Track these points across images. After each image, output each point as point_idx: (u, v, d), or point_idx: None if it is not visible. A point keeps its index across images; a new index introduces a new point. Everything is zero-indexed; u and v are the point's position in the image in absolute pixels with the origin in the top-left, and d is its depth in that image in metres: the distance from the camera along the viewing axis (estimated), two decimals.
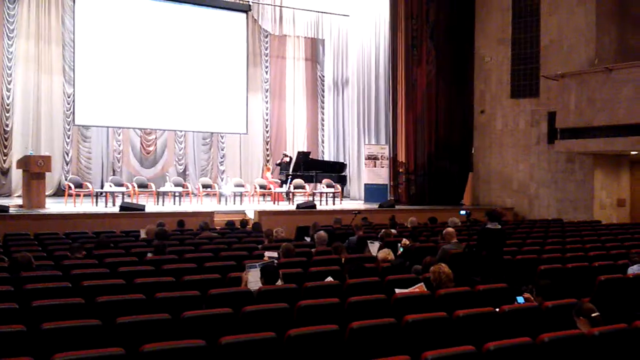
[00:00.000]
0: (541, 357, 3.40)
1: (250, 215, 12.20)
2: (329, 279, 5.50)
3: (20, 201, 12.04)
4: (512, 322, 4.15)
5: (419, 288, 4.98)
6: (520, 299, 4.53)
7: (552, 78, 13.51)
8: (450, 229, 7.52)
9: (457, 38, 15.68)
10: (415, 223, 9.94)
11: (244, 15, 17.24)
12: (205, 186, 14.65)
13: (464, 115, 15.90)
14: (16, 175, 13.80)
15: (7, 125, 14.49)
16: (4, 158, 14.46)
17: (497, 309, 4.21)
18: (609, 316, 4.02)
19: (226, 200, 14.29)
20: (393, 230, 8.82)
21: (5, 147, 14.49)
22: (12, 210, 10.73)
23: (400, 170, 15.58)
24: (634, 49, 13.10)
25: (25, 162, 11.71)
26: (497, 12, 15.22)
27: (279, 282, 5.12)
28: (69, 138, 15.21)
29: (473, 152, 15.93)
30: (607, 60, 12.87)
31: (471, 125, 15.94)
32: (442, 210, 13.36)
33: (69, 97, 15.05)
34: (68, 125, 15.14)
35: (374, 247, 7.51)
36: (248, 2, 17.21)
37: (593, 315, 3.76)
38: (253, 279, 5.17)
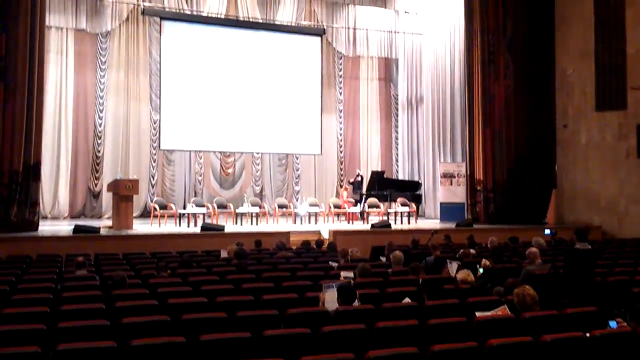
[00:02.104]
0: None
1: (325, 234, 12.26)
2: (407, 300, 5.42)
3: (109, 222, 12.71)
4: (603, 348, 3.93)
5: (501, 311, 4.81)
6: (612, 324, 4.28)
7: (639, 89, 12.83)
8: (534, 249, 7.23)
9: (536, 51, 15.22)
10: (495, 243, 9.64)
11: (318, 38, 17.56)
12: (281, 206, 14.90)
13: (545, 130, 15.33)
14: (106, 197, 14.61)
15: (98, 152, 15.43)
16: (96, 182, 15.37)
17: (588, 334, 3.99)
18: None
19: (301, 220, 14.46)
20: (472, 250, 8.60)
21: (97, 171, 15.41)
22: (102, 231, 11.36)
23: (478, 188, 15.16)
24: None
25: (115, 186, 12.37)
26: (579, 23, 14.67)
27: (356, 303, 5.11)
28: (154, 162, 15.97)
29: (556, 168, 15.32)
30: None
31: (553, 140, 15.34)
32: (523, 229, 12.87)
33: (155, 123, 15.84)
34: (154, 149, 15.90)
35: (452, 268, 7.33)
36: (322, 25, 17.53)
37: None
38: (330, 299, 5.18)
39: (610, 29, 14.07)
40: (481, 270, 7.07)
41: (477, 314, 4.66)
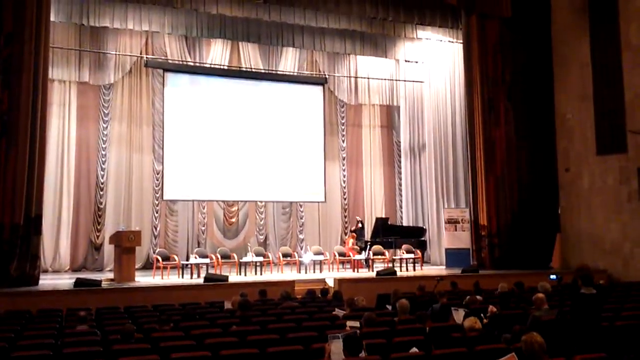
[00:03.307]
0: None
1: (330, 283, 12.14)
2: (414, 349, 5.34)
3: (111, 275, 12.61)
4: None
5: (510, 359, 4.73)
6: None
7: (638, 133, 12.93)
8: (540, 295, 7.15)
9: (536, 96, 15.44)
10: (505, 289, 9.51)
11: (320, 87, 17.85)
12: (285, 255, 14.81)
13: (547, 174, 15.39)
14: (108, 250, 14.53)
15: (100, 203, 15.43)
16: (97, 234, 15.31)
17: None
18: None
19: (306, 269, 14.35)
20: (478, 297, 8.50)
21: (99, 223, 15.36)
22: (104, 284, 11.25)
23: (483, 233, 15.09)
24: None
25: (117, 238, 12.33)
26: (577, 68, 14.91)
27: (362, 354, 5.03)
28: (157, 213, 15.96)
29: (560, 212, 15.28)
30: None
31: (556, 184, 15.37)
32: (529, 274, 12.72)
33: (157, 174, 15.90)
34: (157, 200, 15.92)
35: (459, 315, 7.24)
36: (324, 75, 17.85)
37: None
38: (336, 350, 5.10)
39: (607, 72, 14.29)
40: (488, 317, 6.98)
41: None
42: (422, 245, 15.76)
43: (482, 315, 7.02)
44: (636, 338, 5.57)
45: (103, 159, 15.56)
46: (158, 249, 14.68)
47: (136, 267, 13.05)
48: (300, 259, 14.78)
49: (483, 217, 15.07)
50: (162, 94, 16.02)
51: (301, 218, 17.67)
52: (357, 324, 6.53)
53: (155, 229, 15.87)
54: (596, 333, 5.91)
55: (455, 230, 15.67)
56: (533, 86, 15.44)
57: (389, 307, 8.72)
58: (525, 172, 15.20)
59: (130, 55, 15.65)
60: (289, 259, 14.79)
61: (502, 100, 15.24)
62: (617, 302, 8.05)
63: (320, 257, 14.62)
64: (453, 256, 15.34)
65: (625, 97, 13.81)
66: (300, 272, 14.11)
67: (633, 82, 13.67)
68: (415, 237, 15.79)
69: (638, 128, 12.99)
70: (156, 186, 15.91)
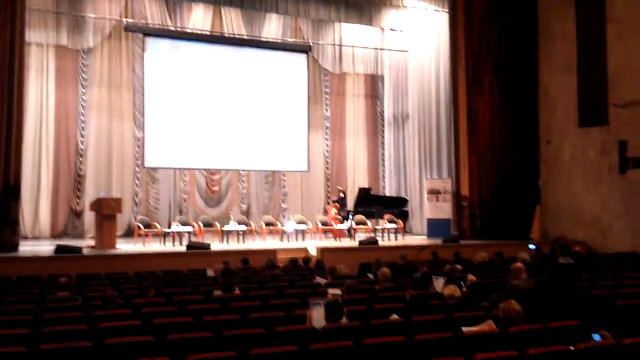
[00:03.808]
0: None
1: (313, 252, 12.22)
2: (394, 316, 5.41)
3: (92, 242, 12.54)
4: None
5: (487, 326, 4.82)
6: (596, 337, 4.30)
7: (621, 106, 13.03)
8: (519, 264, 7.25)
9: (520, 68, 15.44)
10: (485, 258, 9.64)
11: (304, 55, 17.64)
12: (268, 224, 14.84)
13: (529, 146, 15.50)
14: (89, 217, 14.40)
15: (80, 170, 15.23)
16: (78, 201, 15.16)
17: (573, 347, 4.01)
18: None
19: (289, 238, 14.40)
20: (458, 266, 8.61)
21: (79, 190, 15.18)
22: (84, 251, 11.20)
23: (464, 204, 15.25)
24: None
25: (97, 205, 12.23)
26: (561, 40, 14.91)
27: (344, 320, 5.08)
28: (138, 180, 15.81)
29: (540, 184, 15.45)
30: None
31: (537, 156, 15.51)
32: (508, 244, 12.94)
33: (138, 141, 15.71)
34: (138, 168, 15.75)
35: (439, 284, 7.34)
36: (308, 42, 17.63)
37: None
38: (317, 316, 5.15)
39: (591, 45, 14.30)
40: (467, 286, 7.08)
41: (464, 329, 4.66)
42: (404, 215, 15.88)
43: (461, 283, 7.12)
44: (611, 307, 5.70)
45: (83, 125, 15.30)
46: (139, 217, 14.61)
47: (117, 234, 13.00)
48: (282, 227, 14.82)
49: (465, 188, 15.21)
50: (142, 59, 15.71)
51: (284, 187, 17.65)
52: (338, 291, 6.59)
53: (137, 196, 15.75)
54: (572, 302, 6.03)
55: (437, 200, 15.79)
56: (518, 58, 15.43)
57: (371, 276, 8.81)
58: (508, 144, 15.29)
59: (109, 19, 15.28)
60: (271, 227, 14.82)
61: (487, 72, 15.22)
62: (594, 272, 8.21)
63: (303, 227, 14.67)
64: (434, 226, 15.49)
65: (608, 70, 13.87)
66: (282, 241, 14.16)
67: (616, 55, 13.71)
68: (397, 207, 15.89)
69: (621, 101, 13.08)
70: (137, 153, 15.73)
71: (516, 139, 15.37)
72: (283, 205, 17.49)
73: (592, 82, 14.23)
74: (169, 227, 13.88)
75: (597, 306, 5.96)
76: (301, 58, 17.61)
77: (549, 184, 15.21)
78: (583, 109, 14.45)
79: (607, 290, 6.67)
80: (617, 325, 4.38)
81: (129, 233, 14.55)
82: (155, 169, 16.01)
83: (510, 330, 4.55)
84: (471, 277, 7.46)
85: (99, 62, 15.53)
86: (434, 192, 15.89)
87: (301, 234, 14.53)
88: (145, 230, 13.19)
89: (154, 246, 12.77)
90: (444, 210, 15.69)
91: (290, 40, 17.48)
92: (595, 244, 13.87)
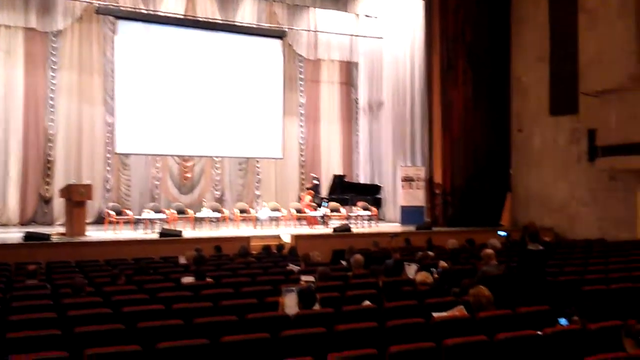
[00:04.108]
0: None
1: (287, 239, 12.22)
2: (367, 302, 5.45)
3: (62, 229, 12.34)
4: (555, 345, 4.03)
5: (458, 311, 4.89)
6: (562, 321, 4.40)
7: (591, 95, 13.23)
8: (489, 251, 7.35)
9: (494, 57, 15.56)
10: (456, 245, 9.77)
11: (279, 41, 17.50)
12: (241, 211, 14.78)
13: (502, 135, 15.69)
14: (58, 203, 14.17)
15: (49, 155, 14.93)
16: (47, 187, 14.86)
17: (540, 332, 4.09)
18: None
19: (262, 225, 14.37)
20: (430, 253, 8.70)
21: (49, 176, 14.89)
22: (54, 238, 11.02)
23: (437, 191, 15.40)
24: None
25: (67, 191, 12.03)
26: (534, 29, 15.06)
27: (316, 306, 5.10)
28: (109, 166, 15.56)
29: (511, 171, 15.67)
30: None
31: (509, 144, 15.71)
32: (480, 231, 13.12)
33: (109, 127, 15.44)
34: (109, 154, 15.51)
35: (411, 270, 7.42)
36: (283, 28, 17.48)
37: None
38: (290, 303, 5.16)
39: (563, 34, 14.47)
40: (439, 272, 7.16)
41: (435, 314, 4.72)
42: (378, 203, 15.98)
43: (433, 270, 7.20)
44: (578, 292, 5.83)
45: (52, 110, 14.98)
46: (110, 204, 14.41)
47: (88, 221, 12.83)
48: (256, 215, 14.78)
49: (438, 175, 15.35)
50: (113, 42, 15.41)
51: (258, 174, 17.56)
52: (311, 278, 6.61)
53: (108, 182, 15.51)
54: (541, 287, 6.15)
55: (411, 188, 15.91)
56: (493, 46, 15.54)
57: (344, 263, 8.85)
58: (481, 132, 15.44)
59: (80, 1, 14.92)
60: (245, 215, 14.77)
61: (461, 60, 15.30)
62: (561, 259, 8.38)
63: (277, 214, 14.65)
64: (408, 213, 15.62)
65: (580, 60, 14.07)
66: (256, 228, 14.12)
67: (588, 43, 13.91)
68: (371, 194, 15.97)
69: (591, 90, 13.28)
70: (108, 139, 15.47)
71: (489, 127, 15.54)
72: (257, 193, 17.42)
73: (564, 71, 14.42)
74: (141, 215, 13.72)
75: (564, 292, 6.09)
76: (276, 44, 17.47)
77: (519, 171, 15.43)
78: (554, 98, 14.66)
79: (574, 276, 6.82)
80: (583, 310, 4.47)
81: (100, 220, 14.33)
82: (126, 155, 15.77)
83: (480, 316, 4.62)
84: (443, 263, 7.55)
85: (69, 45, 15.19)
86: (407, 180, 16.00)
87: (275, 221, 14.52)
88: (117, 217, 13.03)
89: (126, 233, 12.63)
90: (417, 197, 15.83)
91: (265, 25, 17.30)
92: (563, 230, 14.18)
